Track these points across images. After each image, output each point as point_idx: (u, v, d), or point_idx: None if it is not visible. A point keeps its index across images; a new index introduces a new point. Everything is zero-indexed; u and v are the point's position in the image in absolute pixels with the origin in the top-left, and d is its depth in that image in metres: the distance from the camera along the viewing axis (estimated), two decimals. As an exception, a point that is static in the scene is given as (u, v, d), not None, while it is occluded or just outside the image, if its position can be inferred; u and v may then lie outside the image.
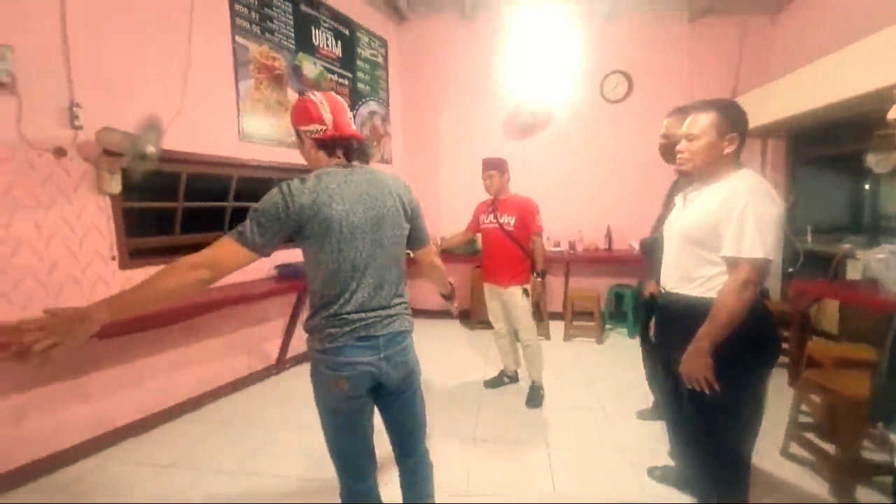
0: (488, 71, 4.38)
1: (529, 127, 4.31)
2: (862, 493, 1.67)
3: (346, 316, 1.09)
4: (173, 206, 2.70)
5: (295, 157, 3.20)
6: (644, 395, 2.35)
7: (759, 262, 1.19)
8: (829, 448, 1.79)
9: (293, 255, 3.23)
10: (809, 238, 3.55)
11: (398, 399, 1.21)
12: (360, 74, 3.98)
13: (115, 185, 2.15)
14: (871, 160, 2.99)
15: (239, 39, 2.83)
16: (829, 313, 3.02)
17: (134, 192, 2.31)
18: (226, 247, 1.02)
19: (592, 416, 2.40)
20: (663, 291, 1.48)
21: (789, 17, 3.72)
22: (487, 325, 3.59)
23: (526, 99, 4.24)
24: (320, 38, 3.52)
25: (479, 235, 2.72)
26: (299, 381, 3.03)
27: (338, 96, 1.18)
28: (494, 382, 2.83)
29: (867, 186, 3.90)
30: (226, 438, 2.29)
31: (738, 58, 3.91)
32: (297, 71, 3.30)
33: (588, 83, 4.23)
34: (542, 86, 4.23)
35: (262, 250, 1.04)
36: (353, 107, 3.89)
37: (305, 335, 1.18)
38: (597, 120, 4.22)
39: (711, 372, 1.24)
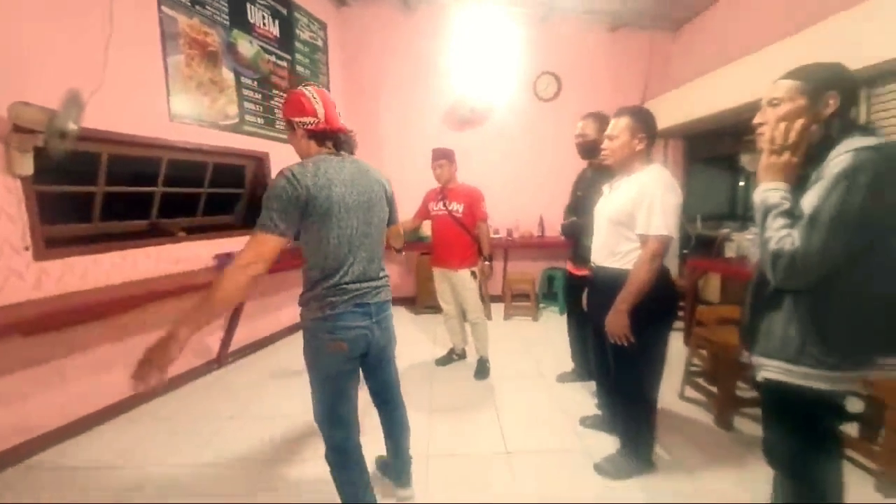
0: (429, 63, 4.49)
1: (469, 120, 4.52)
2: (738, 420, 2.14)
3: (344, 286, 1.24)
4: (92, 190, 2.45)
5: (231, 141, 3.08)
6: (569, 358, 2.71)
7: (663, 239, 1.50)
8: (713, 389, 2.26)
9: (233, 244, 3.11)
10: (699, 225, 4.25)
11: (381, 362, 1.39)
12: (299, 57, 3.85)
13: (27, 166, 1.92)
14: (745, 160, 3.68)
15: (166, 10, 2.61)
16: (713, 284, 3.68)
17: (49, 174, 2.07)
18: (260, 240, 1.13)
19: (532, 381, 2.71)
20: (594, 266, 1.77)
21: (686, 35, 4.35)
22: (433, 309, 3.78)
23: (465, 93, 4.42)
24: (256, 15, 3.35)
25: (427, 223, 2.85)
26: (245, 374, 2.96)
27: (328, 93, 1.29)
28: (444, 360, 3.02)
29: (741, 182, 4.76)
30: (171, 434, 2.19)
31: (647, 67, 4.48)
32: (231, 49, 3.12)
33: (523, 82, 4.54)
34: (481, 81, 4.45)
35: (287, 233, 1.16)
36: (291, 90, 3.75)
37: (300, 308, 1.28)
38: (531, 117, 4.56)
39: (628, 329, 1.55)
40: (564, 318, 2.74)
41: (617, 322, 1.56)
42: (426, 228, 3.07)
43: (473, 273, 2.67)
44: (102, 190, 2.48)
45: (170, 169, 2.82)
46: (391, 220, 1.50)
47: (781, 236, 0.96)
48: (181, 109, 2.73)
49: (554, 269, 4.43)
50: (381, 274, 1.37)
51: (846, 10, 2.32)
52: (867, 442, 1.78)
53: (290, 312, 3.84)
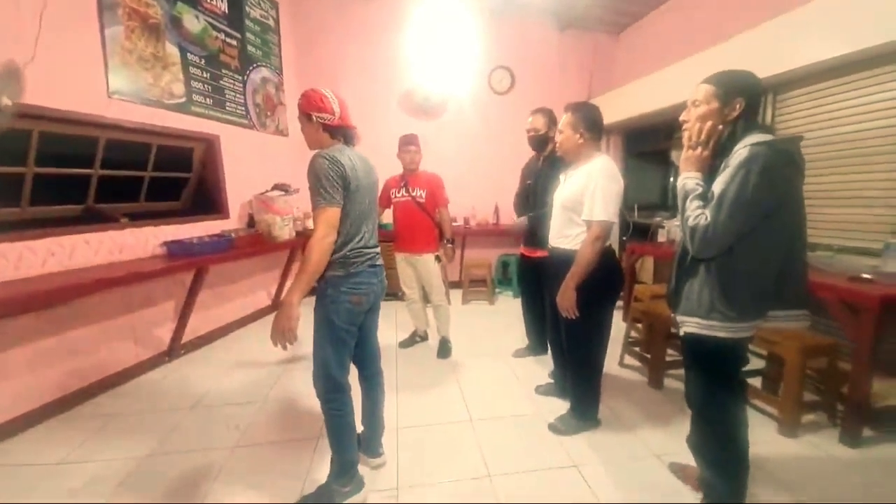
0: (387, 52, 4.48)
1: (424, 109, 4.58)
2: (668, 381, 2.46)
3: (362, 249, 1.50)
4: (21, 171, 2.23)
5: (177, 122, 2.91)
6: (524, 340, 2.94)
7: (605, 224, 1.71)
8: (647, 356, 2.57)
9: (182, 231, 2.97)
10: (636, 214, 4.68)
11: (372, 315, 1.68)
12: (249, 36, 3.68)
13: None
14: (674, 155, 4.10)
15: (102, -24, 2.40)
16: (647, 267, 4.10)
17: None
18: (327, 214, 1.36)
19: (491, 358, 2.88)
20: (550, 247, 1.95)
21: (627, 39, 4.72)
22: (392, 296, 3.85)
23: (421, 82, 4.47)
24: (202, -12, 3.16)
25: (387, 212, 2.89)
26: (201, 364, 2.87)
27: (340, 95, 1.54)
28: (407, 343, 3.12)
29: (672, 176, 5.27)
30: (124, 427, 2.10)
31: (592, 67, 4.80)
32: (176, 23, 2.93)
33: (479, 74, 4.68)
34: (439, 72, 4.52)
35: (341, 202, 1.40)
36: (242, 70, 3.60)
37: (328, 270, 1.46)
38: (486, 108, 4.72)
39: (575, 304, 1.75)
40: (518, 301, 2.94)
41: (566, 297, 1.76)
42: (387, 217, 3.11)
43: (437, 257, 2.78)
44: (32, 171, 2.26)
45: (108, 150, 2.62)
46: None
47: (697, 214, 1.18)
48: (120, 85, 2.54)
49: (508, 255, 4.67)
50: (378, 243, 1.64)
51: (767, 22, 2.63)
52: (770, 393, 2.15)
53: (244, 302, 3.72)
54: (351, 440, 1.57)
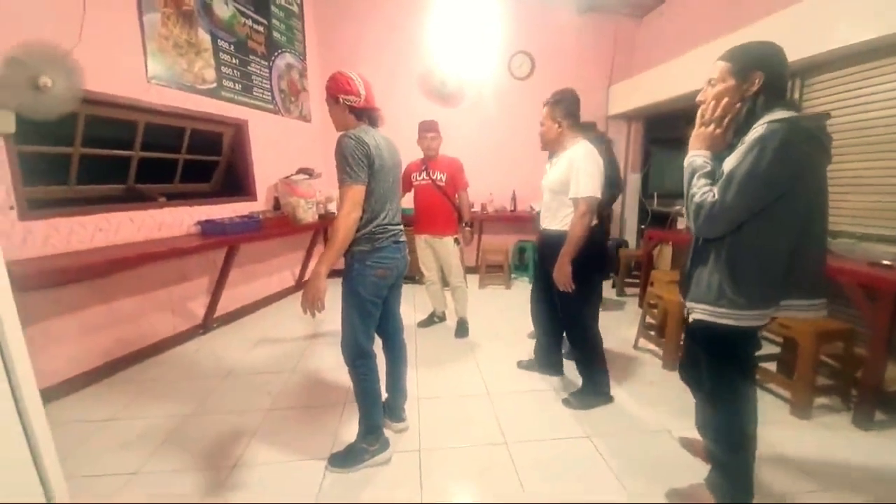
0: (408, 38, 4.51)
1: (444, 96, 4.61)
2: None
3: (385, 226, 1.58)
4: (69, 151, 2.39)
5: (209, 106, 3.03)
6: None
7: (590, 199, 1.84)
8: (662, 339, 2.62)
9: (213, 212, 3.12)
10: (656, 202, 4.66)
11: (396, 290, 1.78)
12: (275, 22, 3.77)
13: (9, 124, 1.86)
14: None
15: (140, -36, 2.51)
16: (665, 254, 4.09)
17: (28, 134, 2.01)
18: (354, 191, 1.44)
19: (507, 339, 2.98)
20: (542, 229, 2.09)
21: (650, 23, 4.62)
22: (410, 280, 3.96)
23: (436, 65, 4.50)
24: (231, -25, 3.25)
25: (408, 195, 2.97)
26: (233, 337, 3.03)
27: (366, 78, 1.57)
28: (426, 322, 3.23)
29: (693, 163, 5.17)
30: (166, 391, 2.27)
31: (613, 52, 4.74)
32: (207, 9, 3.04)
33: (499, 60, 4.67)
34: (459, 58, 4.54)
35: (366, 181, 1.47)
36: (268, 56, 3.70)
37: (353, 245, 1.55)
38: (506, 94, 4.72)
39: (571, 277, 1.88)
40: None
41: (561, 272, 1.90)
42: (407, 202, 3.19)
43: (456, 240, 2.87)
44: (79, 152, 2.42)
45: (147, 133, 2.76)
46: None
47: (704, 192, 1.14)
48: (158, 71, 2.67)
49: (525, 241, 4.71)
50: (402, 221, 1.72)
51: (794, 5, 2.58)
52: (784, 376, 2.18)
53: (270, 281, 3.89)
54: (377, 403, 1.68)
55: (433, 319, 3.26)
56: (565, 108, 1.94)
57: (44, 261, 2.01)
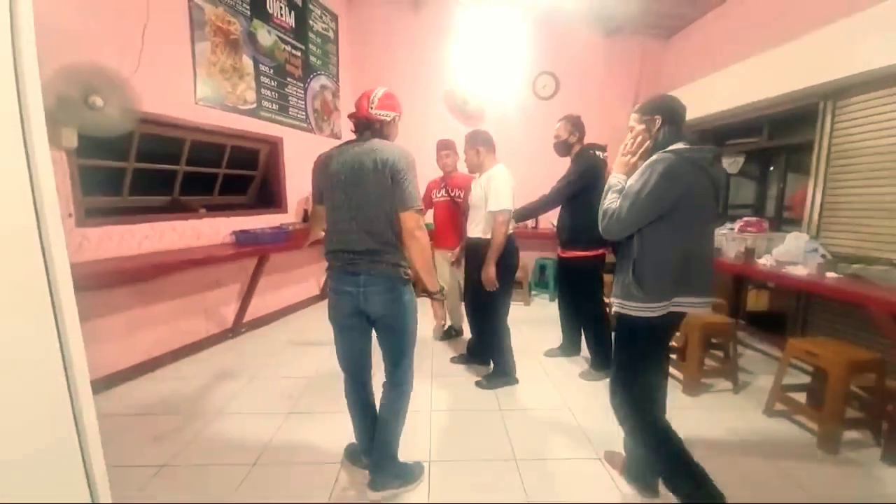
0: (435, 60, 4.71)
1: (467, 114, 4.75)
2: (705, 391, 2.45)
3: (335, 252, 1.51)
4: (124, 166, 2.63)
5: (248, 125, 3.27)
6: (557, 337, 3.02)
7: (506, 211, 2.23)
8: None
9: (247, 223, 3.32)
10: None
11: (381, 330, 1.55)
12: (312, 47, 4.03)
13: (72, 139, 2.11)
14: (725, 162, 3.97)
15: (195, -1, 2.79)
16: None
17: (86, 149, 2.25)
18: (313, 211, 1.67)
19: (524, 355, 2.92)
20: (468, 238, 2.48)
21: (676, 44, 4.63)
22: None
23: (464, 87, 4.66)
24: (274, 6, 3.53)
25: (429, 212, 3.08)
26: (259, 342, 3.19)
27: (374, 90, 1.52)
28: (443, 336, 3.28)
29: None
30: (197, 390, 2.42)
31: (639, 73, 4.75)
32: (251, 38, 3.30)
33: (523, 80, 4.78)
34: (483, 78, 4.68)
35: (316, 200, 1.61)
36: (304, 78, 3.95)
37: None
38: (530, 114, 4.81)
39: (495, 277, 2.24)
40: (553, 303, 3.02)
41: (488, 273, 2.26)
42: (429, 217, 3.30)
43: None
44: (133, 166, 2.67)
45: (191, 149, 3.01)
46: (399, 203, 1.41)
47: (610, 202, 1.41)
48: (205, 94, 2.92)
49: (545, 258, 4.71)
50: (382, 248, 1.41)
51: (824, 27, 2.55)
52: (813, 409, 2.07)
53: (296, 290, 4.06)
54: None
55: (451, 332, 3.31)
56: (478, 139, 2.40)
57: (97, 264, 2.22)
